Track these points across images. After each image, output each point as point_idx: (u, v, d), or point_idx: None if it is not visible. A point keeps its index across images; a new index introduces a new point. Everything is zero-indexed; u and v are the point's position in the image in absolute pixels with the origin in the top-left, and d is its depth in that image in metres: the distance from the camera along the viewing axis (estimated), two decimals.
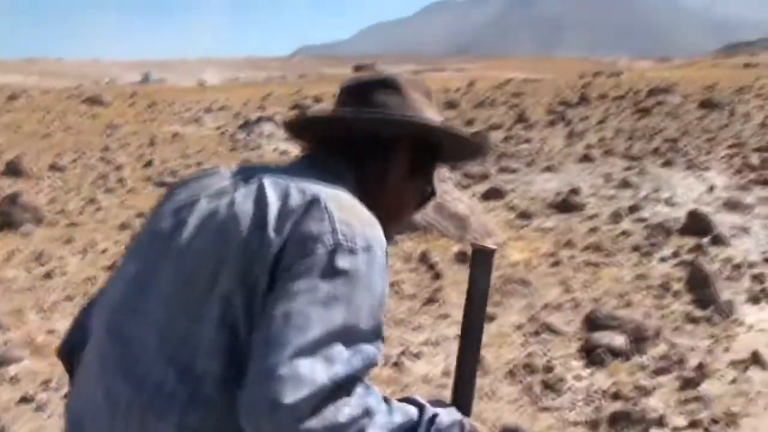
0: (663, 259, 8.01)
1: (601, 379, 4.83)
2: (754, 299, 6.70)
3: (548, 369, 4.88)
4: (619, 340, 5.19)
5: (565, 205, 10.44)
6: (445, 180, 9.64)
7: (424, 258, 7.58)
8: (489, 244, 1.50)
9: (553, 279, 7.05)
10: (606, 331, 5.32)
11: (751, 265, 7.73)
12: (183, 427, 1.11)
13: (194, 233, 1.22)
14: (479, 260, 1.34)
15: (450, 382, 1.39)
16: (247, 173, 1.30)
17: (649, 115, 20.36)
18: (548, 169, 13.65)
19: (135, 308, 1.21)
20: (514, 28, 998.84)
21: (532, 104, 23.99)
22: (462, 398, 1.31)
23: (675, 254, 8.09)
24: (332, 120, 1.45)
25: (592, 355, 5.08)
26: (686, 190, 11.64)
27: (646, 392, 4.63)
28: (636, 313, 5.97)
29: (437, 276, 6.94)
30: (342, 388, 1.04)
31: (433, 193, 1.50)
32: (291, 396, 1.00)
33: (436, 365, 4.86)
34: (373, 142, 1.38)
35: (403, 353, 4.97)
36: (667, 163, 13.53)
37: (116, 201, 11.30)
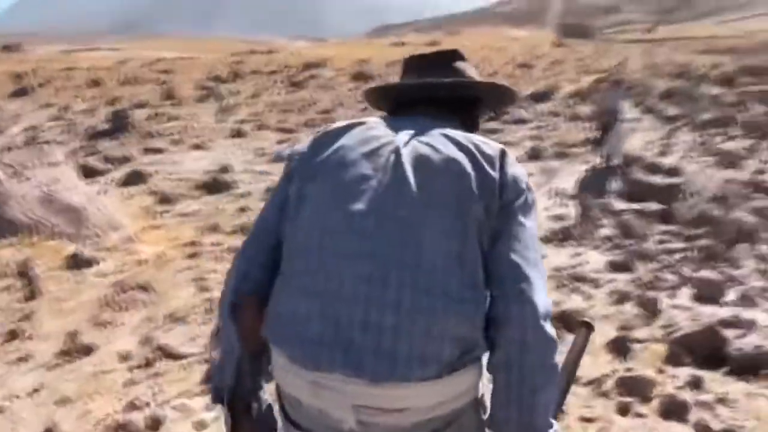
0: None
1: None
2: None
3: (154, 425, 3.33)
4: None
5: (215, 184, 9.20)
6: (57, 163, 7.65)
7: (23, 270, 5.66)
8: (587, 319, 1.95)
9: (188, 275, 5.60)
10: None
11: None
12: (466, 318, 1.36)
13: (421, 172, 1.41)
14: (582, 334, 1.59)
15: None
16: (405, 125, 1.54)
17: (302, 88, 19.91)
18: (197, 147, 12.21)
19: (403, 235, 1.37)
20: (174, 7, 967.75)
21: (181, 81, 22.13)
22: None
23: None
24: (438, 85, 1.65)
25: None
26: None
27: None
28: None
29: (33, 295, 5.10)
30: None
31: None
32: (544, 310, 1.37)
33: None
34: (465, 100, 1.69)
35: None
36: None
37: None
